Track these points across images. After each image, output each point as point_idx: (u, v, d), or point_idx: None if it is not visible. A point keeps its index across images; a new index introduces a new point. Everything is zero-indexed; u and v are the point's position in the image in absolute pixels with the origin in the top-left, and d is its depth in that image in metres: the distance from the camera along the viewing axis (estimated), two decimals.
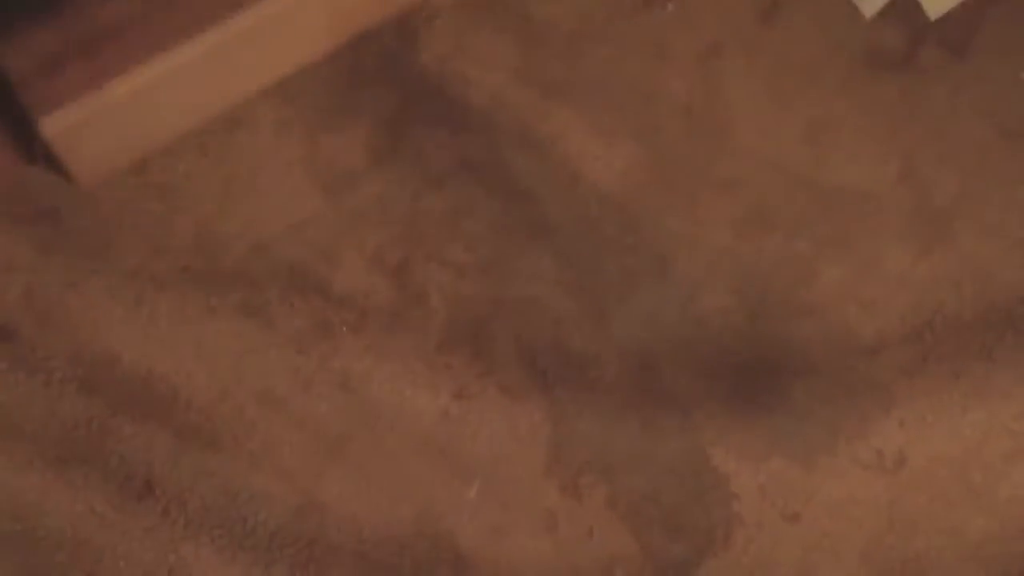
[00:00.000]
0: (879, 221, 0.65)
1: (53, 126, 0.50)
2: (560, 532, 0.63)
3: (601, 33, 0.64)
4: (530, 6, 0.64)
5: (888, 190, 0.65)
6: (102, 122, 0.52)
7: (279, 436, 0.63)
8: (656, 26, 0.64)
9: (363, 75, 0.65)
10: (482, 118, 0.64)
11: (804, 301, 0.64)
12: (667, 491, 0.63)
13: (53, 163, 0.52)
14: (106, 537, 0.61)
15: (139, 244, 0.63)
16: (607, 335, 0.64)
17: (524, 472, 0.63)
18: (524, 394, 0.63)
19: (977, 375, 0.64)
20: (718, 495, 0.63)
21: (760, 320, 0.64)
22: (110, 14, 0.51)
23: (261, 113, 0.64)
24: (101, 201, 0.63)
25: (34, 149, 0.51)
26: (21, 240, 0.57)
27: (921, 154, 0.65)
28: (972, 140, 0.65)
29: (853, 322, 0.64)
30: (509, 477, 0.63)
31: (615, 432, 0.64)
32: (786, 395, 0.64)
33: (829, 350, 0.64)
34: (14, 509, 0.61)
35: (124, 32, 0.51)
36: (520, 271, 0.64)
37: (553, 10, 0.64)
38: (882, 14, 0.65)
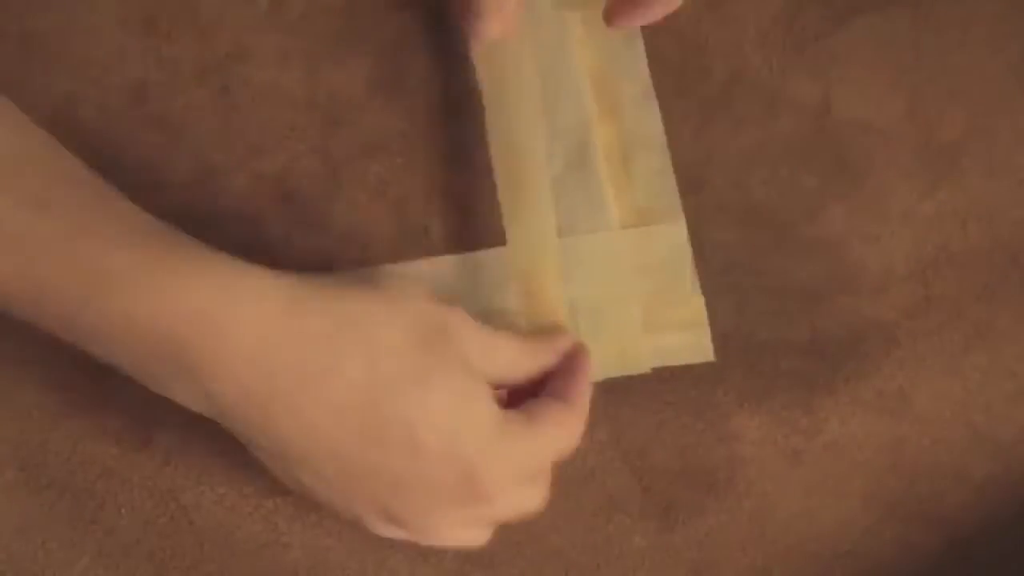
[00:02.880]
0: (886, 157, 0.64)
1: None
2: (561, 472, 0.62)
3: None
4: None
5: (896, 125, 0.64)
6: None
7: None
8: None
9: (365, 4, 0.64)
10: None
11: (808, 236, 0.64)
12: (669, 432, 0.63)
13: None
14: (106, 485, 0.60)
15: (139, 180, 0.61)
16: None
17: None
18: None
19: (980, 316, 0.64)
20: (719, 436, 0.63)
21: (763, 255, 0.64)
22: None
23: (261, 43, 0.63)
24: (100, 135, 0.62)
25: None
26: None
27: (929, 89, 0.64)
28: (981, 76, 0.64)
29: (857, 259, 0.64)
30: None
31: None
32: (788, 332, 0.63)
33: (832, 287, 0.63)
34: (16, 459, 0.60)
35: None
36: None
37: None
38: None
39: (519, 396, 0.54)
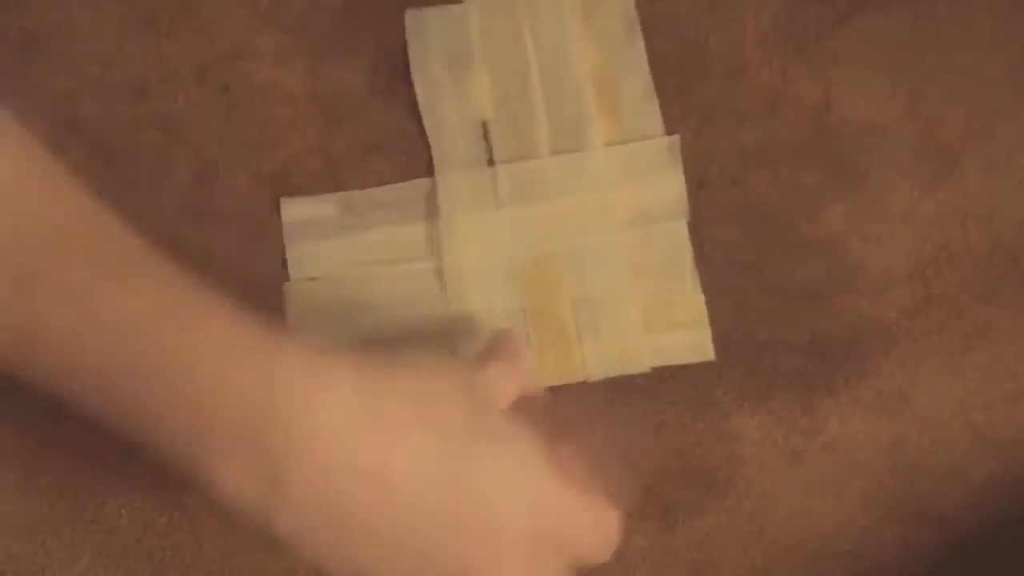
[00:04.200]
0: (886, 157, 0.64)
1: None
2: None
3: None
4: None
5: (896, 125, 0.64)
6: None
7: None
8: None
9: (365, 4, 0.64)
10: None
11: (808, 236, 0.64)
12: (669, 432, 0.63)
13: None
14: (106, 485, 0.60)
15: (138, 180, 0.61)
16: None
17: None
18: None
19: (980, 316, 0.63)
20: (719, 436, 0.63)
21: (763, 254, 0.63)
22: None
23: (261, 42, 0.63)
24: (99, 131, 0.62)
25: None
26: None
27: (929, 89, 0.64)
28: (981, 76, 0.64)
29: (857, 259, 0.63)
30: None
31: None
32: (788, 332, 0.63)
33: (832, 287, 0.63)
34: (16, 459, 0.60)
35: None
36: None
37: None
38: None
39: None
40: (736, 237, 0.63)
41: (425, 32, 0.64)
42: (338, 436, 0.46)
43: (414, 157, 0.63)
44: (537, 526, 0.50)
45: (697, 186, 0.63)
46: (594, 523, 0.52)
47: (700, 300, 0.63)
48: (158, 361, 0.45)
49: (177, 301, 0.47)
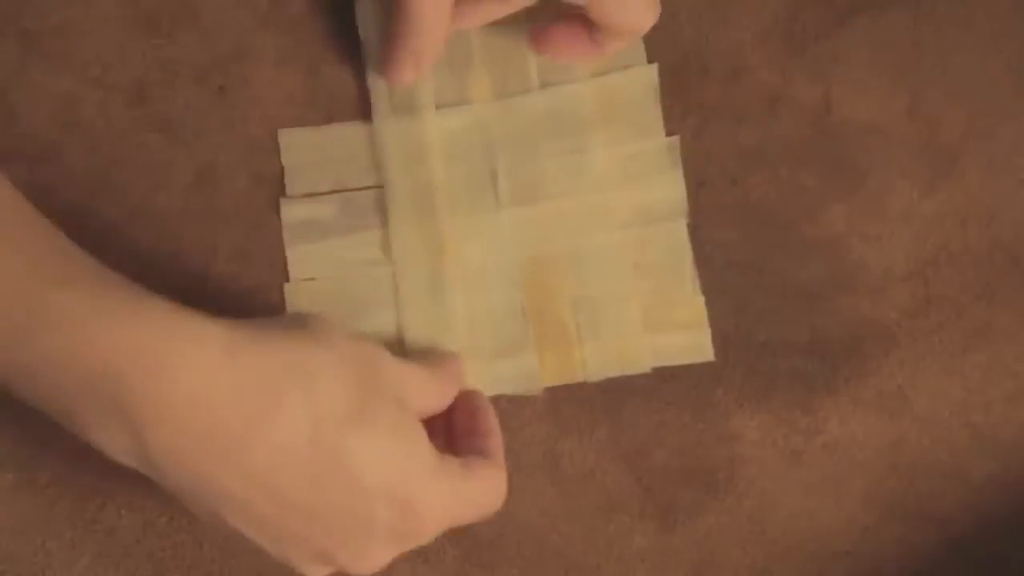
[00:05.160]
0: (886, 157, 0.64)
1: None
2: (561, 472, 0.62)
3: None
4: None
5: (896, 125, 0.64)
6: None
7: None
8: None
9: None
10: None
11: (809, 236, 0.64)
12: (669, 432, 0.63)
13: None
14: (106, 485, 0.60)
15: (138, 180, 0.61)
16: None
17: (526, 412, 0.63)
18: None
19: (980, 316, 0.63)
20: (719, 436, 0.63)
21: (763, 254, 0.63)
22: None
23: (261, 43, 0.63)
24: (100, 135, 0.61)
25: None
26: (19, 182, 0.56)
27: (929, 89, 0.64)
28: (981, 76, 0.64)
29: (857, 259, 0.63)
30: (510, 413, 0.62)
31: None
32: (788, 332, 0.63)
33: (832, 287, 0.63)
34: (16, 459, 0.60)
35: None
36: None
37: None
38: None
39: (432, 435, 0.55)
40: (736, 237, 0.63)
41: None
42: (198, 400, 0.46)
43: None
44: (406, 520, 0.50)
45: (697, 186, 0.63)
46: (478, 497, 0.53)
47: (700, 300, 0.63)
48: (22, 319, 0.45)
49: (45, 261, 0.47)
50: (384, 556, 0.52)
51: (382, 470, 0.49)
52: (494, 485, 0.55)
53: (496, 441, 0.57)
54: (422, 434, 0.52)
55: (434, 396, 0.56)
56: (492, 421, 0.58)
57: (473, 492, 0.53)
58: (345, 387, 0.49)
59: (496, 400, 0.62)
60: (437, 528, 0.52)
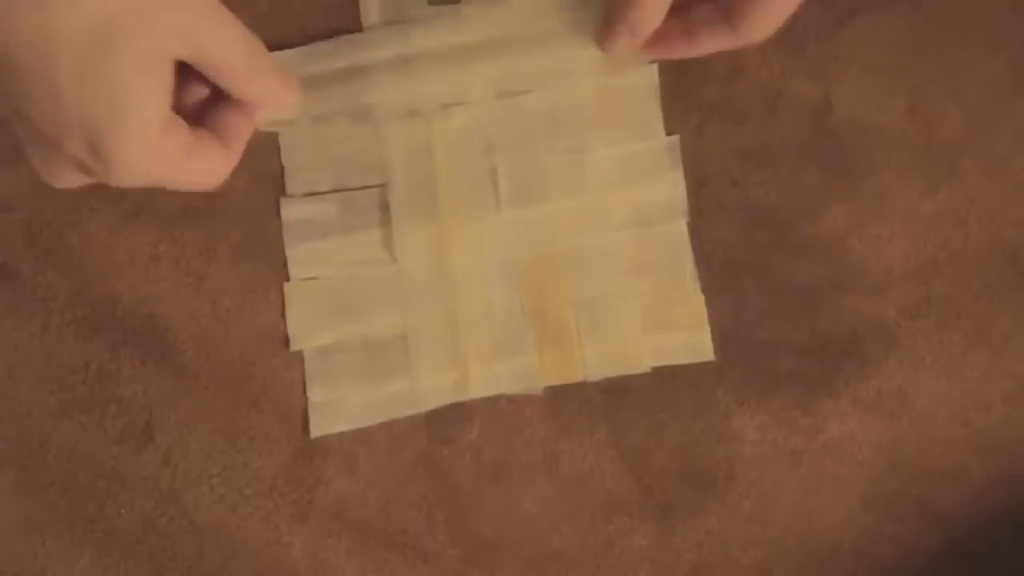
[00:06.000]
0: (886, 157, 0.64)
1: None
2: (561, 471, 0.63)
3: None
4: None
5: (896, 125, 0.64)
6: None
7: (280, 376, 0.62)
8: None
9: None
10: None
11: (809, 236, 0.64)
12: (669, 432, 0.63)
13: None
14: (106, 485, 0.61)
15: None
16: None
17: (526, 412, 0.63)
18: None
19: (980, 316, 0.63)
20: (719, 436, 0.63)
21: (763, 254, 0.63)
22: None
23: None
24: None
25: None
26: (22, 178, 0.57)
27: (929, 89, 0.64)
28: (981, 76, 0.64)
29: (857, 259, 0.63)
30: (510, 413, 0.63)
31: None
32: (788, 332, 0.63)
33: (832, 287, 0.63)
34: (16, 459, 0.60)
35: None
36: None
37: None
38: None
39: None
40: (736, 237, 0.63)
41: None
42: None
43: None
44: (94, 160, 0.49)
45: (697, 186, 0.63)
46: (191, 173, 0.52)
47: (700, 300, 0.63)
48: None
49: None
50: (68, 178, 0.51)
51: (90, 102, 0.48)
52: (213, 168, 0.53)
53: (245, 124, 0.54)
54: (162, 87, 0.49)
55: (239, 78, 0.53)
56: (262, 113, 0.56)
57: (187, 167, 0.51)
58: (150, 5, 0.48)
59: (496, 400, 0.62)
60: (130, 180, 0.50)
